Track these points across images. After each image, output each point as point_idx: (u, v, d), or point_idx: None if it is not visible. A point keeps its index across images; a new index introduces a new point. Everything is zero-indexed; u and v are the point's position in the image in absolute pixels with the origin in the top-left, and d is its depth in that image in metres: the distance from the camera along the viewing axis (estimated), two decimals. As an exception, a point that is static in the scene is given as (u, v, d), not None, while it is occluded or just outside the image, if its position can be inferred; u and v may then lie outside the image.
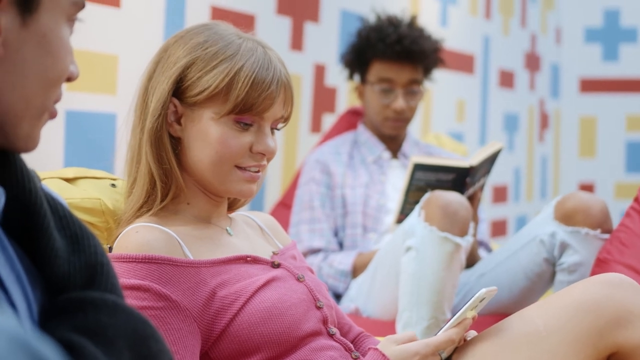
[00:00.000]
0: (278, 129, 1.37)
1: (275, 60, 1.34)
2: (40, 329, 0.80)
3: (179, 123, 1.33)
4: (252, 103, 1.29)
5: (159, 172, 1.32)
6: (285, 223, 2.52)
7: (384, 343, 1.30)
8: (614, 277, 1.33)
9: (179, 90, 1.31)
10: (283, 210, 2.62)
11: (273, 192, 2.80)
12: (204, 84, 1.29)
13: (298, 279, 1.38)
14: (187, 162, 1.33)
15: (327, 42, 3.03)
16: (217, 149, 1.30)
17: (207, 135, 1.31)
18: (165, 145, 1.31)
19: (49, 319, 0.80)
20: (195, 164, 1.33)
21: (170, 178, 1.33)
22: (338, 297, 2.37)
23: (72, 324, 0.79)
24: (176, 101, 1.32)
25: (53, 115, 0.86)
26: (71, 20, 0.85)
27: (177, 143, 1.33)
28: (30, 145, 0.84)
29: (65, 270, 0.82)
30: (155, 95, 1.31)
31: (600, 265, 1.95)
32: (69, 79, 0.86)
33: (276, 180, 2.81)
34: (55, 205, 0.86)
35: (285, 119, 1.37)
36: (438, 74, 2.82)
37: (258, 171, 1.34)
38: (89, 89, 2.02)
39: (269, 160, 1.36)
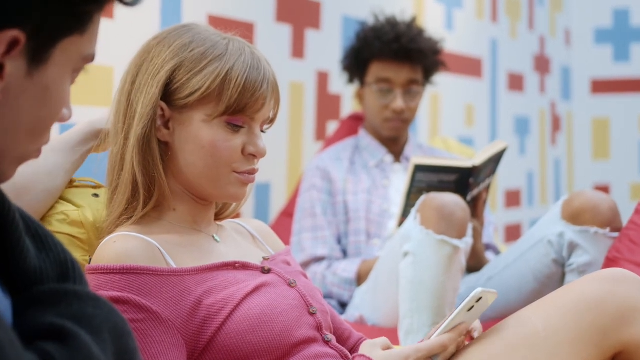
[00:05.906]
0: (264, 131, 1.33)
1: (263, 60, 1.30)
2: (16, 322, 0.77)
3: (167, 127, 1.28)
4: (245, 104, 1.26)
5: (144, 179, 1.26)
6: (289, 232, 2.48)
7: (367, 348, 1.24)
8: (617, 272, 1.26)
9: (166, 93, 1.27)
10: (286, 219, 2.58)
11: (278, 201, 2.76)
12: (194, 85, 1.25)
13: (289, 284, 1.32)
14: (176, 166, 1.29)
15: (329, 48, 2.99)
16: (211, 152, 1.26)
17: (199, 138, 1.26)
18: (154, 151, 1.27)
19: (27, 309, 0.78)
20: (186, 168, 1.28)
21: (154, 185, 1.27)
22: (344, 305, 2.32)
23: (57, 311, 0.77)
24: (163, 104, 1.27)
25: (36, 155, 0.85)
26: (77, 71, 0.84)
27: (164, 148, 1.29)
28: (2, 180, 0.83)
29: (37, 266, 0.80)
30: (143, 100, 1.26)
31: (610, 264, 1.89)
32: (59, 121, 0.85)
33: (281, 189, 2.77)
34: (17, 207, 0.84)
35: (272, 120, 1.33)
36: (445, 77, 2.77)
37: (252, 173, 1.30)
38: (85, 101, 2.00)
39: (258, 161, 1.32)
